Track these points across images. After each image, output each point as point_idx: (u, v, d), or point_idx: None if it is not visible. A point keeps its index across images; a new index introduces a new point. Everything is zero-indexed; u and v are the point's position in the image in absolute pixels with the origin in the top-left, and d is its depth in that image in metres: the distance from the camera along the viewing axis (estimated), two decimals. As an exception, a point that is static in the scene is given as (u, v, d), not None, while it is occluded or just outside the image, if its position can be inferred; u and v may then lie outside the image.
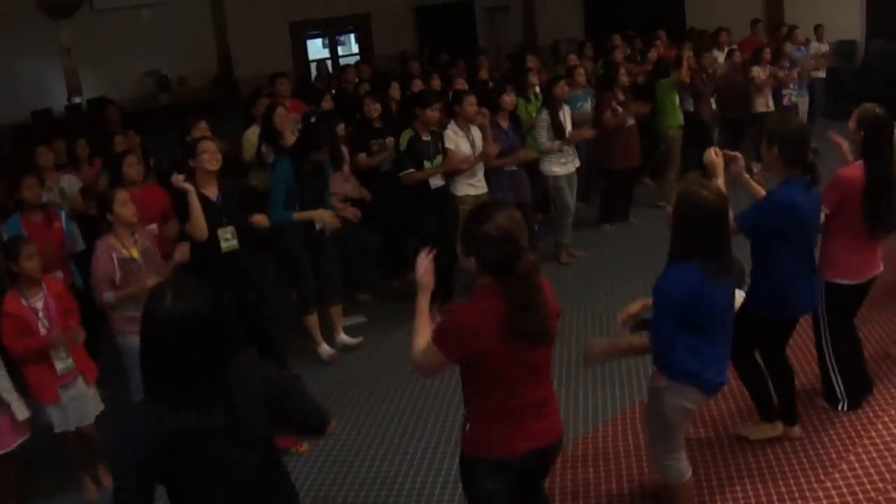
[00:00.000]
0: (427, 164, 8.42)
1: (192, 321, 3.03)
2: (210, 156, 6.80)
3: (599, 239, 10.93)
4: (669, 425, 4.75)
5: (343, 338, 8.32)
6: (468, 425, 3.99)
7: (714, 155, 5.36)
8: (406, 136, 8.44)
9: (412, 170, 8.37)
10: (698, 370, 4.51)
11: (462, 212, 8.54)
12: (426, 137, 8.46)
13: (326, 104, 10.29)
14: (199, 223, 6.63)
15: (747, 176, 5.66)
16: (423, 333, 3.96)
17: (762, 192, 5.57)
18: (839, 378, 6.00)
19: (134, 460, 3.09)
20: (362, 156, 9.14)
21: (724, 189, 4.86)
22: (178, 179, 6.64)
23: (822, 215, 5.64)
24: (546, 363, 3.96)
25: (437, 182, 8.54)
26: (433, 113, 8.43)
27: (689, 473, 4.87)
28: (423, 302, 4.10)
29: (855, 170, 5.70)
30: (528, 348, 3.75)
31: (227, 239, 6.92)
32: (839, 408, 6.04)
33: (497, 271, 3.70)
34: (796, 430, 5.80)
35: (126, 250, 6.30)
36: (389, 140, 9.11)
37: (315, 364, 7.99)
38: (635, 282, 8.88)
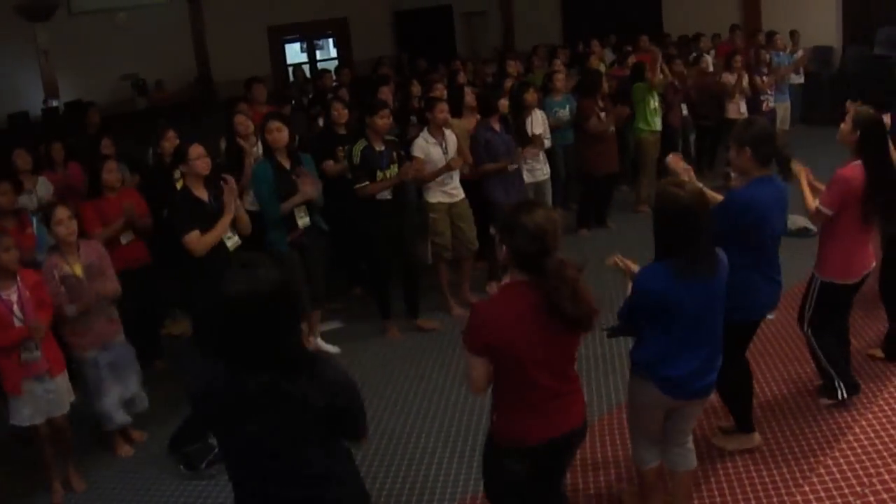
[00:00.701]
0: (380, 174, 8.14)
1: (269, 294, 3.15)
2: (203, 161, 6.83)
3: (576, 244, 10.85)
4: (636, 415, 4.90)
5: (320, 343, 8.24)
6: (495, 414, 4.14)
7: (675, 161, 5.41)
8: (359, 146, 8.13)
9: (367, 182, 8.10)
10: (656, 366, 4.56)
11: (433, 220, 8.58)
12: (379, 147, 8.17)
13: (285, 111, 9.92)
14: (216, 239, 6.78)
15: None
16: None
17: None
18: (831, 367, 6.07)
19: (195, 394, 3.44)
20: (329, 163, 8.84)
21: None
22: (232, 193, 6.80)
23: (819, 215, 5.78)
24: (570, 354, 4.08)
25: (384, 195, 8.24)
26: (381, 120, 8.14)
27: (652, 464, 4.96)
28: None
29: (854, 170, 5.76)
30: (554, 338, 3.89)
31: (230, 237, 6.94)
32: (839, 396, 6.08)
33: (526, 265, 3.85)
34: (756, 436, 5.82)
35: (69, 267, 6.30)
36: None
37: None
38: (611, 286, 8.87)
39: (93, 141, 9.53)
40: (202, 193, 6.92)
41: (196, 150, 6.83)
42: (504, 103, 9.36)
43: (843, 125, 5.88)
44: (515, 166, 9.18)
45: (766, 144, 5.27)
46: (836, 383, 6.09)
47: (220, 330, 3.21)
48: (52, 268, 6.24)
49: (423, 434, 6.64)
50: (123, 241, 7.68)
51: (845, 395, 6.08)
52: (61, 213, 6.31)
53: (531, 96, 9.77)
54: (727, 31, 16.71)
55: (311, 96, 12.96)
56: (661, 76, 11.85)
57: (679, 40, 17.01)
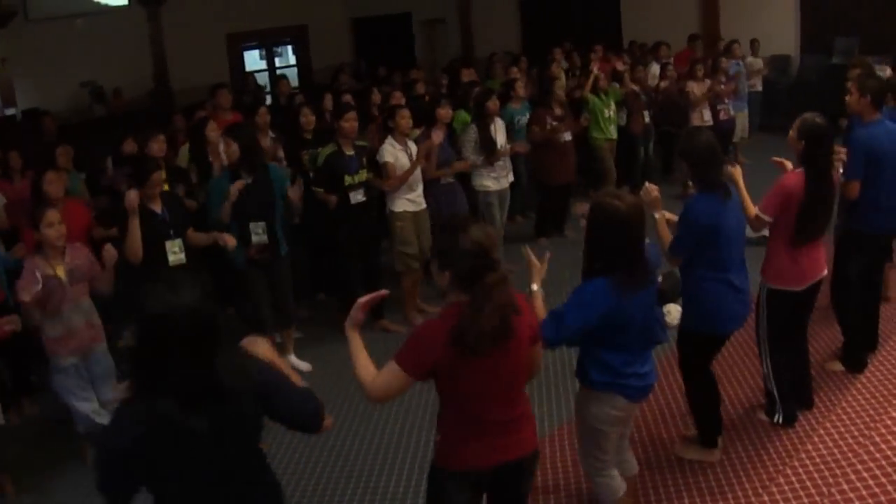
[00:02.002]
0: (348, 178, 8.20)
1: (188, 314, 3.03)
2: (158, 175, 6.81)
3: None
4: (597, 436, 4.70)
5: (294, 361, 7.98)
6: (439, 435, 3.98)
7: (651, 191, 5.38)
8: (326, 151, 8.23)
9: (322, 190, 8.21)
10: (619, 379, 4.50)
11: (398, 228, 8.52)
12: (349, 151, 8.25)
13: (262, 118, 9.52)
14: (134, 246, 6.64)
15: (662, 216, 5.61)
16: (363, 363, 3.89)
17: (668, 235, 5.56)
18: (776, 389, 6.02)
19: (118, 451, 3.14)
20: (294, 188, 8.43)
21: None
22: (132, 200, 6.60)
23: (759, 221, 5.74)
24: (516, 377, 3.89)
25: (357, 197, 8.31)
26: (348, 124, 8.17)
27: (622, 491, 4.84)
28: (353, 337, 3.96)
29: (796, 177, 5.73)
30: (489, 361, 3.69)
31: (175, 252, 6.86)
32: (774, 420, 6.07)
33: (469, 286, 3.66)
34: (717, 453, 5.80)
35: (51, 269, 6.17)
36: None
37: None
38: (567, 295, 8.92)
39: (48, 149, 9.36)
40: (155, 205, 6.90)
41: (51, 216, 6.32)
42: (446, 112, 9.26)
43: (791, 132, 5.85)
44: (451, 178, 9.22)
45: (705, 162, 5.26)
46: (777, 407, 6.07)
47: (149, 356, 3.09)
48: (33, 267, 6.12)
49: (390, 446, 6.61)
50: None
51: (781, 421, 6.05)
52: (52, 216, 6.17)
53: (493, 103, 9.71)
54: (685, 40, 16.82)
55: (268, 104, 12.85)
56: (616, 86, 11.93)
57: (632, 47, 17.16)
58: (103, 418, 6.31)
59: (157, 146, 8.36)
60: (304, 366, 8.01)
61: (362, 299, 3.91)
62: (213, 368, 3.11)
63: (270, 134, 9.42)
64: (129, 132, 9.16)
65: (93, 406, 6.41)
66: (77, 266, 6.34)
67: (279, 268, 7.75)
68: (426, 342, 3.70)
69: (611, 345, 4.46)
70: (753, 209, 5.79)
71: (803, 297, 5.98)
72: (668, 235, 5.51)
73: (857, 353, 6.84)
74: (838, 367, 6.85)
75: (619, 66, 12.91)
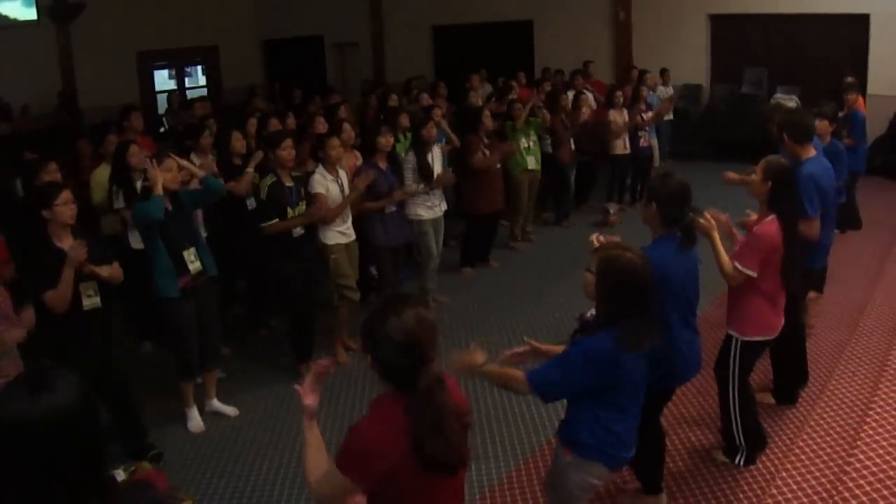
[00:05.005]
0: (290, 211, 7.83)
1: (60, 419, 2.40)
2: (69, 207, 6.08)
3: (461, 283, 10.79)
4: (573, 500, 4.56)
5: (216, 404, 7.59)
6: None
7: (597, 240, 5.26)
8: (266, 182, 7.79)
9: (276, 220, 7.76)
10: (608, 447, 4.33)
11: (335, 262, 8.26)
12: (288, 183, 7.88)
13: (205, 140, 9.03)
14: (64, 298, 6.00)
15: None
16: (315, 460, 3.43)
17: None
18: (741, 432, 5.97)
19: None
20: (231, 183, 8.25)
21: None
22: (79, 251, 5.95)
23: (740, 276, 5.62)
24: (460, 485, 3.51)
25: (298, 231, 7.95)
26: (286, 152, 7.81)
27: None
28: (309, 429, 3.51)
29: (772, 226, 5.64)
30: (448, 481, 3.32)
31: (90, 295, 6.23)
32: (737, 461, 6.02)
33: (395, 380, 3.25)
34: (663, 498, 5.72)
35: None
36: (248, 172, 8.42)
37: (180, 428, 7.30)
38: (498, 330, 8.88)
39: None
40: (66, 243, 6.06)
41: (64, 195, 6.08)
42: (387, 141, 9.01)
43: (753, 177, 5.79)
44: (394, 207, 9.01)
45: (674, 205, 5.06)
46: (740, 451, 6.02)
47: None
48: None
49: None
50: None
51: (742, 464, 6.01)
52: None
53: (428, 131, 9.47)
54: (599, 69, 17.03)
55: (183, 127, 12.48)
56: (535, 118, 11.92)
57: (545, 74, 17.26)
58: None
59: (49, 177, 7.63)
60: (231, 410, 7.60)
61: (305, 384, 3.54)
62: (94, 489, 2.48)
63: (211, 155, 8.99)
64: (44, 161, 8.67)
65: None
66: None
67: (209, 294, 7.26)
68: (373, 452, 3.19)
69: (610, 407, 4.29)
70: (729, 263, 5.67)
71: (770, 342, 6.00)
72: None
73: (790, 387, 6.92)
74: (769, 399, 6.89)
75: (537, 100, 12.74)
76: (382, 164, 8.96)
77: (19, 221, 7.31)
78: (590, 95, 14.74)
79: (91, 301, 6.25)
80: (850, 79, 12.16)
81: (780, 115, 7.20)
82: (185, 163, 7.41)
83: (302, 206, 7.92)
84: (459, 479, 3.46)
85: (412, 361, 3.17)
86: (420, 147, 9.45)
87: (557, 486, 4.62)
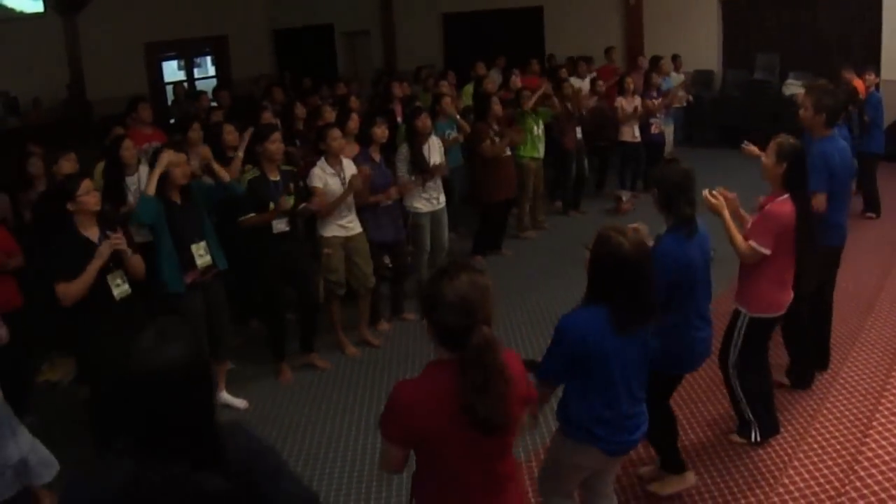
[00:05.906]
0: (272, 206, 7.55)
1: (182, 368, 2.63)
2: (92, 196, 6.04)
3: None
4: (561, 474, 4.59)
5: (225, 396, 7.48)
6: (413, 501, 3.63)
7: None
8: (247, 176, 7.61)
9: (252, 214, 7.51)
10: (601, 434, 4.32)
11: (326, 256, 8.12)
12: (274, 177, 7.61)
13: (195, 133, 8.78)
14: (81, 291, 5.92)
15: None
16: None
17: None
18: (750, 411, 5.99)
19: None
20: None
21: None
22: (119, 241, 6.01)
23: (755, 254, 5.62)
24: (506, 448, 3.54)
25: (280, 227, 7.64)
26: (274, 146, 7.54)
27: None
28: None
29: (785, 205, 5.62)
30: (482, 435, 3.30)
31: (119, 284, 6.17)
32: (752, 438, 6.02)
33: (450, 342, 3.29)
34: (690, 476, 5.68)
35: None
36: (238, 157, 8.29)
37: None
38: (506, 317, 8.80)
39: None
40: (91, 233, 6.08)
41: (86, 185, 6.04)
42: (382, 132, 8.77)
43: (764, 159, 5.77)
44: (390, 201, 8.77)
45: (672, 192, 5.08)
46: (752, 427, 6.02)
47: (126, 414, 2.64)
48: None
49: (339, 494, 6.17)
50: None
51: (758, 439, 6.00)
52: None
53: (421, 122, 9.26)
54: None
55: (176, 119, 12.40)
56: (545, 107, 11.85)
57: (550, 62, 17.21)
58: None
59: (69, 165, 7.84)
60: (241, 403, 7.52)
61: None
62: (209, 429, 2.72)
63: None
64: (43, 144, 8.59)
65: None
66: None
67: (218, 288, 7.21)
68: (404, 409, 3.33)
69: (597, 390, 4.27)
70: (744, 242, 5.68)
71: (780, 319, 6.02)
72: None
73: (805, 371, 6.89)
74: (784, 380, 6.87)
75: (547, 88, 12.65)
76: (376, 156, 8.75)
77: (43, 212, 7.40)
78: (584, 83, 14.71)
79: (121, 290, 6.21)
80: (847, 72, 12.31)
81: (824, 95, 7.02)
82: (216, 166, 7.41)
83: (290, 201, 7.64)
84: (509, 439, 3.52)
85: (467, 324, 3.24)
86: (414, 139, 9.25)
87: (551, 456, 4.71)
